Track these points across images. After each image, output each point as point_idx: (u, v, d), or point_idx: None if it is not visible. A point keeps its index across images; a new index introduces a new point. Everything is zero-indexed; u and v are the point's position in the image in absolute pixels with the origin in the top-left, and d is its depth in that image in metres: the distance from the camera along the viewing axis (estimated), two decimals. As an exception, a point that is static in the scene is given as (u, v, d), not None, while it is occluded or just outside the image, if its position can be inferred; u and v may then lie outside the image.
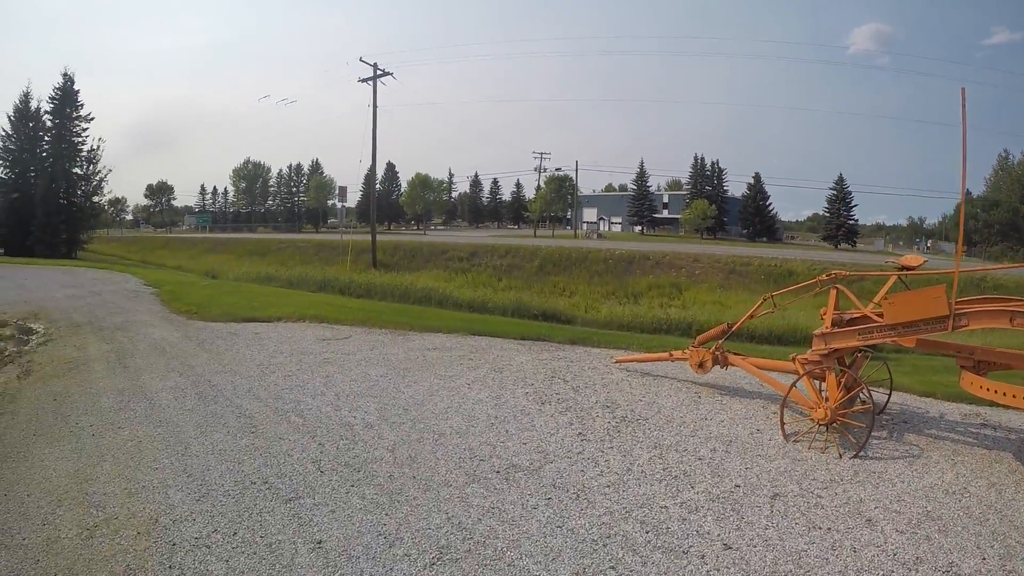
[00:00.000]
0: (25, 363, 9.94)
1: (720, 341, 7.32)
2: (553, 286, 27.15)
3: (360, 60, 33.76)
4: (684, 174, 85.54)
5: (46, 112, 44.67)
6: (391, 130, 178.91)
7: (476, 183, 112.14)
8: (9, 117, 44.45)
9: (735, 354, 7.29)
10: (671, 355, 7.83)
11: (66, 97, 44.32)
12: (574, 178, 77.19)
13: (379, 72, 34.64)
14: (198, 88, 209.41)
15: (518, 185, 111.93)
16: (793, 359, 6.38)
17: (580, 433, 6.21)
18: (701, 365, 7.23)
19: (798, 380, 6.07)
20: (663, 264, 28.42)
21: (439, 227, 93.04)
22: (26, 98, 44.79)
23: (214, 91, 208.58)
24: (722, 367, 7.39)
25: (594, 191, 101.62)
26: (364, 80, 34.81)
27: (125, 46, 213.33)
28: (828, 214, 75.20)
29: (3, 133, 44.18)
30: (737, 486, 5.14)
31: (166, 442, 6.09)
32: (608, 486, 5.10)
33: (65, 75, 44.43)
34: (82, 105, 45.20)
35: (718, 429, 6.44)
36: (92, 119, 45.60)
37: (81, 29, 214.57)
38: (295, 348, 10.62)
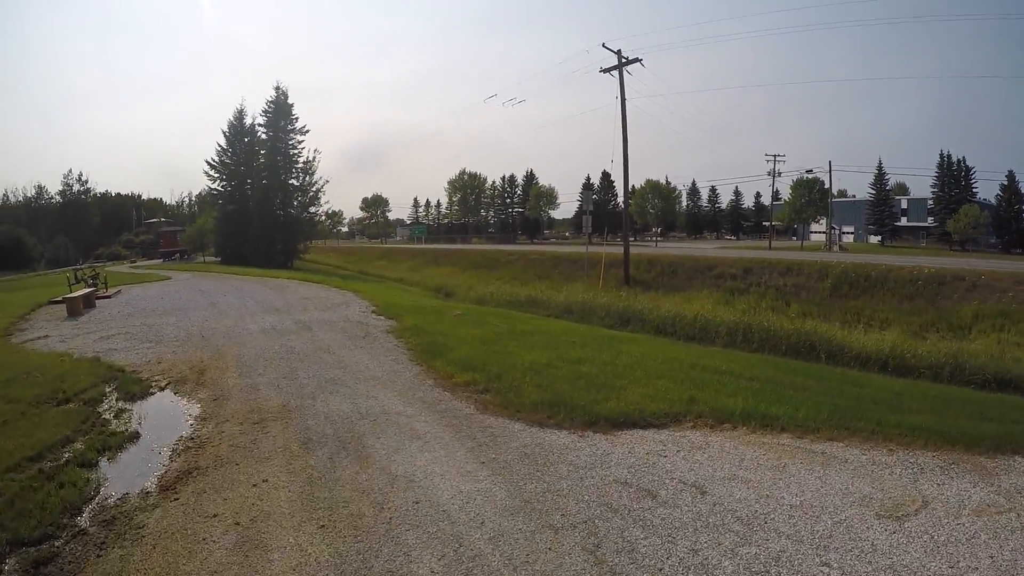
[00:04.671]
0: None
1: None
2: (857, 314, 20.71)
3: (603, 46, 27.43)
4: (912, 174, 69.66)
5: (260, 126, 44.84)
6: (603, 137, 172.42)
7: (694, 191, 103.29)
8: (224, 132, 45.36)
9: None
10: None
11: (279, 110, 43.76)
12: (827, 181, 63.79)
13: (623, 60, 27.35)
14: (411, 109, 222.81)
15: (736, 192, 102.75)
16: None
17: None
18: None
19: None
20: (980, 286, 21.65)
21: (658, 238, 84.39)
22: (240, 115, 45.60)
23: (428, 109, 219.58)
24: None
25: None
26: (607, 70, 28.31)
27: (343, 81, 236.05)
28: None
29: (219, 148, 45.19)
30: None
31: None
32: None
33: (277, 88, 43.92)
34: (297, 118, 44.48)
35: None
36: (307, 131, 44.60)
37: (302, 69, 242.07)
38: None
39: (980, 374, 12.19)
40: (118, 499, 4.40)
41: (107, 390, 7.44)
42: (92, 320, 13.68)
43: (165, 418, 6.37)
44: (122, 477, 4.84)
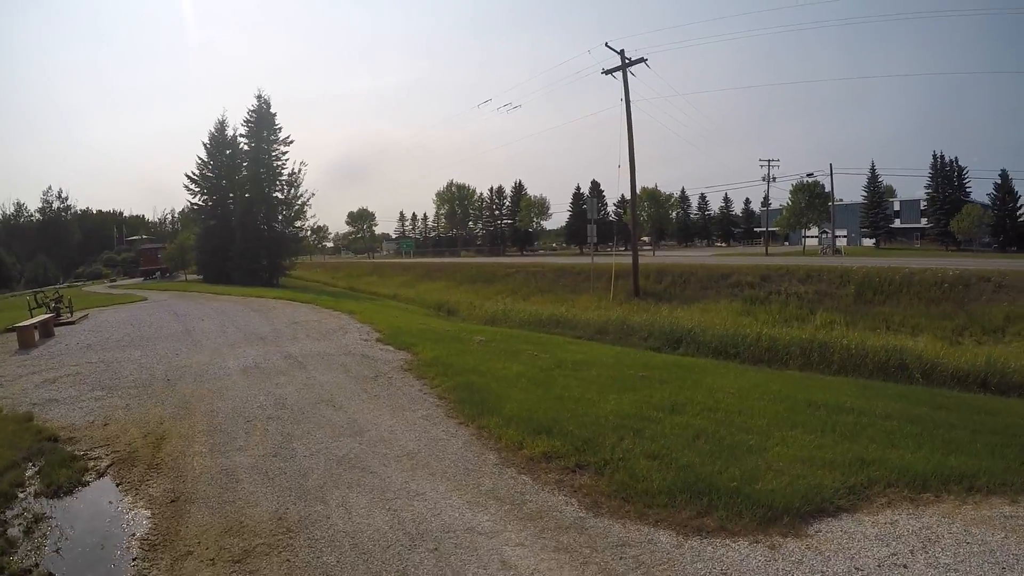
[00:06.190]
0: None
1: None
2: (886, 321, 19.49)
3: (606, 46, 26.35)
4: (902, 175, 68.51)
5: (242, 136, 41.92)
6: (589, 147, 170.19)
7: (683, 198, 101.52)
8: (205, 145, 42.36)
9: None
10: None
11: (261, 120, 40.87)
12: (828, 185, 63.21)
13: (627, 60, 25.69)
14: (395, 120, 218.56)
15: (726, 199, 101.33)
16: None
17: None
18: None
19: None
20: (1006, 286, 20.69)
21: (646, 247, 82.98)
22: (222, 126, 42.62)
23: (412, 120, 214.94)
24: None
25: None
26: (609, 71, 26.67)
27: (327, 93, 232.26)
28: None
29: (200, 161, 42.25)
30: None
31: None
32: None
33: (259, 97, 40.91)
34: (280, 128, 41.57)
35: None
36: (291, 142, 41.67)
37: (286, 81, 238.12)
38: None
39: None
40: None
41: (27, 475, 5.17)
42: (44, 354, 11.33)
43: (96, 539, 4.08)
44: None
